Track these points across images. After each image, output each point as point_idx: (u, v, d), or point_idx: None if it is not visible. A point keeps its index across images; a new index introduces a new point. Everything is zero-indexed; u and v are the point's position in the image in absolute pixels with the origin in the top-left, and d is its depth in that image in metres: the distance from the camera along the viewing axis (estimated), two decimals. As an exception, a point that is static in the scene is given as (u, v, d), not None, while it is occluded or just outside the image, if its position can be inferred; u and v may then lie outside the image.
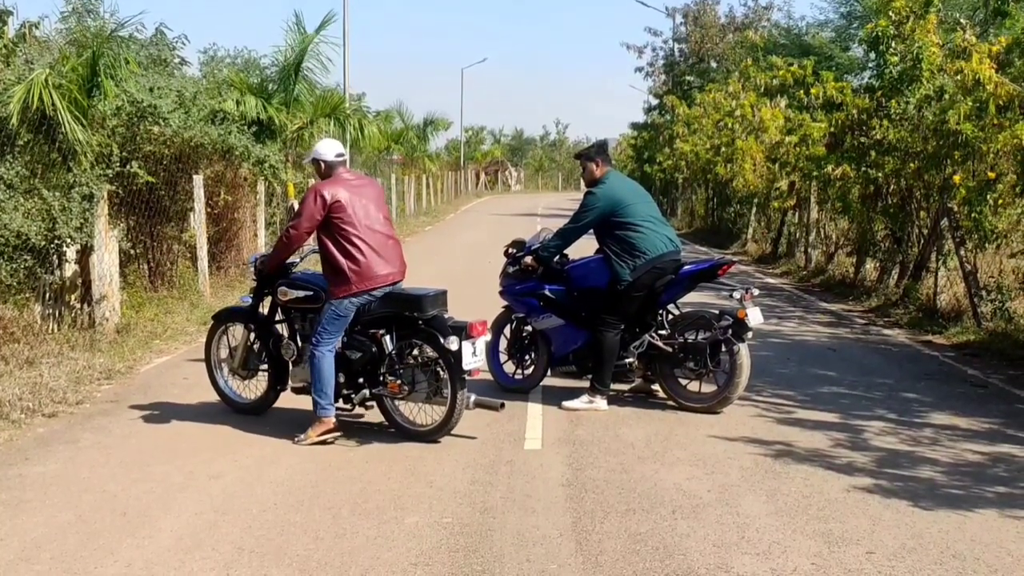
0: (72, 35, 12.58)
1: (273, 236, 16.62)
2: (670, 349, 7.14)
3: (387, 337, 6.26)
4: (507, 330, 7.92)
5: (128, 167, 10.23)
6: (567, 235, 7.26)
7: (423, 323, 6.18)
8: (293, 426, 6.64)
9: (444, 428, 6.26)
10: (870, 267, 14.64)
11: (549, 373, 7.71)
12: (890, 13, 12.74)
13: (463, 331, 6.02)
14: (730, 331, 6.90)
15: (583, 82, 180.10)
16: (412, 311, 6.17)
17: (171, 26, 13.45)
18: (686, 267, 7.11)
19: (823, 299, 13.91)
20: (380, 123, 30.55)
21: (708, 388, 7.16)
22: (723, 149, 23.42)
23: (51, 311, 9.30)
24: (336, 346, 6.21)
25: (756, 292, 7.26)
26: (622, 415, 7.04)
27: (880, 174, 13.14)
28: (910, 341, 10.53)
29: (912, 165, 12.32)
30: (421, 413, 6.41)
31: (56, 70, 9.71)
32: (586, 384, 7.31)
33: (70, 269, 9.66)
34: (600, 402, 7.14)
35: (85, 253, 9.58)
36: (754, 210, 22.62)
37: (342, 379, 6.35)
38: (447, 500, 5.21)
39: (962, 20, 13.52)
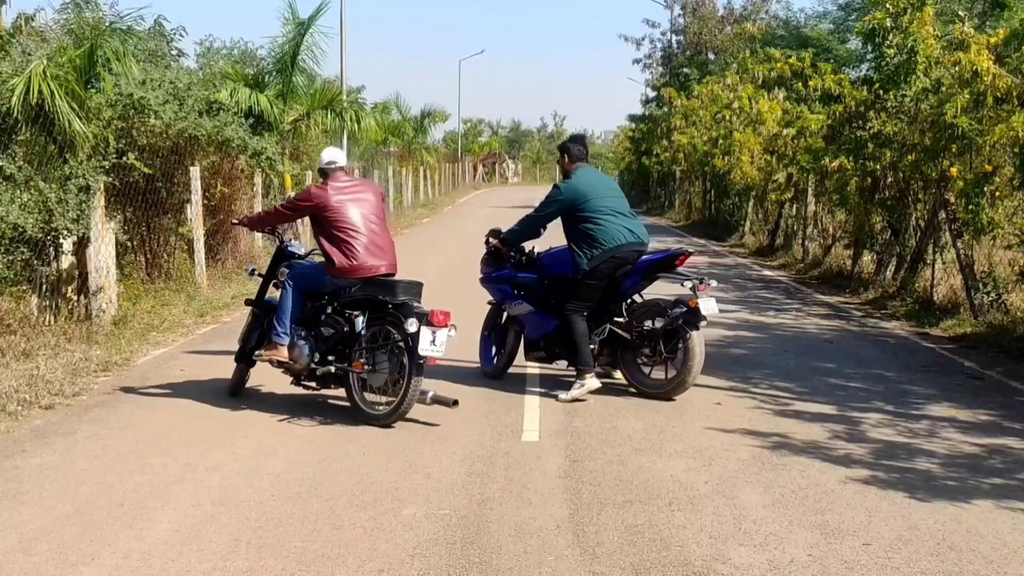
0: (69, 26, 12.54)
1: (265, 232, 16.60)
2: (629, 336, 7.35)
3: (360, 319, 6.64)
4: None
5: (125, 159, 10.21)
6: (528, 223, 7.63)
7: (392, 307, 6.51)
8: (290, 419, 6.65)
9: (395, 413, 6.44)
10: (867, 259, 14.66)
11: (523, 358, 7.87)
12: (887, 5, 12.73)
13: (424, 317, 6.31)
14: (682, 319, 7.09)
15: (581, 74, 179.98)
16: (384, 295, 6.56)
17: (168, 17, 13.39)
18: (644, 257, 7.30)
19: (820, 291, 13.92)
20: (377, 115, 30.53)
21: (664, 375, 7.32)
22: (721, 141, 23.42)
23: (48, 303, 9.28)
24: (295, 305, 6.79)
25: (713, 284, 7.42)
26: (619, 407, 7.05)
27: (877, 166, 13.15)
28: (907, 333, 10.55)
29: (909, 157, 12.32)
30: (381, 398, 6.60)
31: (54, 61, 9.69)
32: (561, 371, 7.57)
33: (67, 261, 9.64)
34: (590, 381, 7.23)
35: (82, 245, 9.57)
36: (751, 202, 22.64)
37: (316, 357, 6.70)
38: (444, 492, 5.21)
39: (960, 12, 13.51)
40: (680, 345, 7.13)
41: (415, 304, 6.52)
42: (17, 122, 9.09)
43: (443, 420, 6.63)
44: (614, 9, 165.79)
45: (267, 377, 7.90)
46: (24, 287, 9.08)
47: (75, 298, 9.60)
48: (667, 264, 7.32)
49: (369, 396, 6.62)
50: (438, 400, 6.59)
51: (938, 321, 10.85)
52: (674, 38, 40.46)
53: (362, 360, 6.53)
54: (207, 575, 4.17)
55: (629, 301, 7.47)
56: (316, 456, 5.83)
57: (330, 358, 6.67)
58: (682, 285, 7.34)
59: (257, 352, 7.05)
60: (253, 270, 7.72)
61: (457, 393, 7.36)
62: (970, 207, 10.41)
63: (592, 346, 7.33)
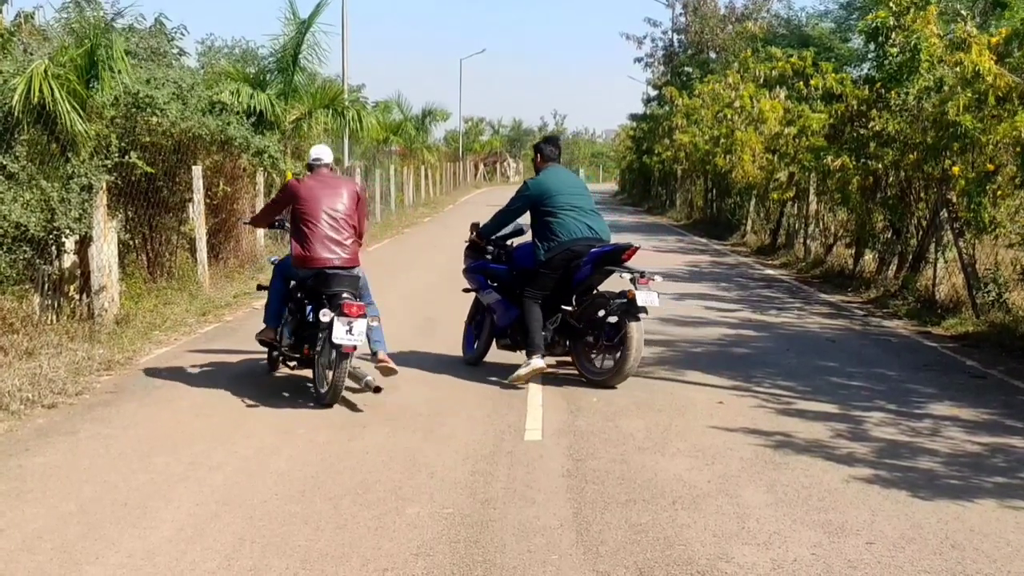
0: (71, 25, 12.54)
1: (272, 227, 16.60)
2: (578, 325, 7.73)
3: (307, 307, 7.19)
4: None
5: (127, 158, 10.21)
6: (499, 217, 8.16)
7: (325, 298, 6.95)
8: (293, 418, 6.66)
9: (327, 395, 6.89)
10: (869, 258, 14.65)
11: (494, 346, 8.21)
12: (890, 4, 12.73)
13: (339, 308, 6.69)
14: (622, 310, 7.43)
15: (582, 73, 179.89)
16: (322, 287, 7.00)
17: (169, 16, 13.37)
18: (593, 250, 7.60)
19: (822, 290, 13.92)
20: (379, 114, 30.52)
21: (607, 363, 7.62)
22: (722, 140, 23.40)
23: (50, 302, 9.29)
24: (280, 290, 7.50)
25: (658, 279, 7.79)
26: (622, 406, 7.05)
27: (879, 165, 13.15)
28: (909, 332, 10.55)
29: (911, 156, 12.31)
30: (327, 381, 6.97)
31: (55, 60, 9.69)
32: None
33: (69, 260, 9.65)
34: (536, 361, 7.52)
35: (84, 244, 9.57)
36: (753, 201, 22.62)
37: (292, 340, 7.36)
38: (448, 491, 5.22)
39: (962, 11, 13.50)
40: (620, 335, 7.44)
41: (345, 296, 6.86)
42: (19, 121, 9.08)
43: (446, 419, 6.64)
44: (615, 8, 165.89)
45: (268, 377, 7.92)
46: (27, 286, 9.08)
47: (77, 297, 9.60)
48: (614, 257, 7.59)
49: (326, 377, 6.99)
50: (370, 386, 6.93)
51: (940, 320, 10.84)
52: (675, 37, 40.40)
53: (307, 346, 7.14)
54: (211, 574, 4.17)
55: (595, 292, 7.76)
56: (319, 455, 5.84)
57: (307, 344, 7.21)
58: (621, 276, 7.59)
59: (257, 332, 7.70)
60: (275, 260, 8.09)
61: (460, 393, 7.40)
62: (972, 206, 10.40)
63: (546, 333, 7.71)
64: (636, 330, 7.37)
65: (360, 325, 6.70)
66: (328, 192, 7.21)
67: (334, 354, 6.78)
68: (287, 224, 7.57)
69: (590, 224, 7.66)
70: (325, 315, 6.73)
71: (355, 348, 6.80)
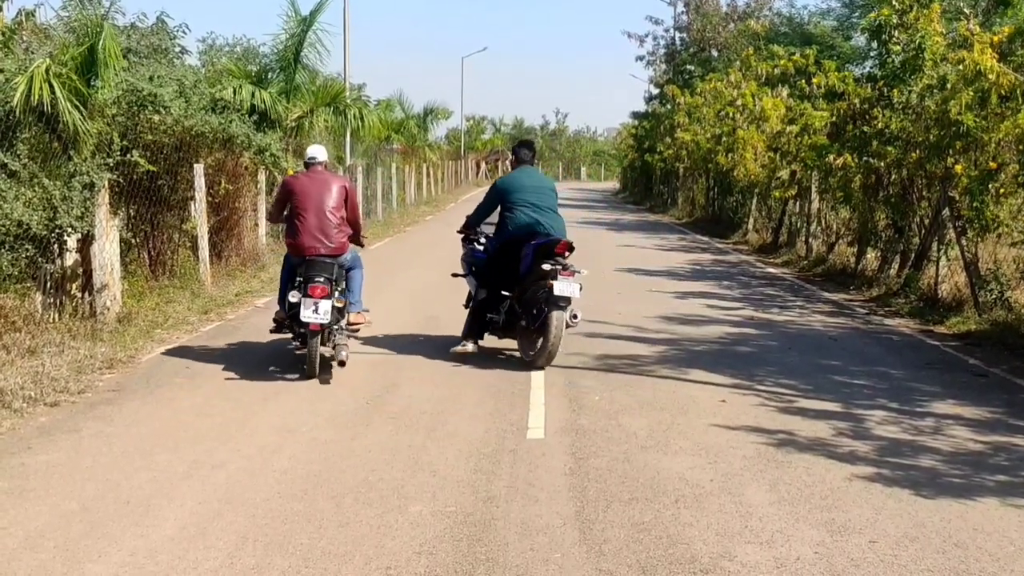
0: (72, 24, 12.53)
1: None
2: (518, 310, 8.32)
3: (294, 290, 7.72)
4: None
5: (129, 156, 10.20)
6: (477, 210, 8.86)
7: (301, 281, 7.61)
8: (295, 416, 6.66)
9: (305, 367, 7.67)
10: (871, 257, 14.64)
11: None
12: (893, 2, 12.71)
13: (305, 289, 7.49)
14: (545, 298, 7.96)
15: (584, 71, 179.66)
16: (303, 271, 7.66)
17: (171, 14, 13.30)
18: (532, 242, 8.16)
19: (824, 289, 13.91)
20: (380, 112, 30.49)
21: (536, 346, 8.14)
22: (724, 138, 23.37)
23: (52, 300, 9.28)
24: (285, 276, 8.12)
25: (584, 272, 8.27)
26: (624, 404, 7.05)
27: (882, 164, 13.14)
28: (911, 330, 10.54)
29: (914, 155, 12.30)
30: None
31: (56, 59, 9.68)
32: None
33: (71, 258, 9.64)
34: (467, 345, 8.45)
35: (86, 242, 9.57)
36: (755, 200, 22.58)
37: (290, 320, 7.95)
38: (450, 489, 5.22)
39: (964, 10, 13.48)
40: (541, 321, 7.99)
41: (318, 279, 7.54)
42: (21, 120, 9.08)
43: (448, 418, 6.64)
44: (617, 6, 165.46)
45: (271, 374, 7.92)
46: (29, 284, 9.08)
47: (79, 295, 9.60)
48: (548, 250, 8.08)
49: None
50: (335, 358, 7.74)
51: (942, 318, 10.84)
52: (677, 35, 40.39)
53: (295, 325, 7.80)
54: (214, 572, 4.17)
55: (539, 282, 8.14)
56: (321, 454, 5.83)
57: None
58: (541, 268, 7.96)
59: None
60: None
61: (462, 391, 7.40)
62: (974, 204, 10.40)
63: (500, 317, 8.45)
64: (556, 318, 7.86)
65: (325, 305, 7.43)
66: (318, 188, 7.90)
67: (305, 331, 7.54)
68: None
69: (540, 219, 8.24)
70: (293, 296, 7.56)
71: (320, 327, 7.52)
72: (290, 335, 8.04)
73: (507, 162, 72.92)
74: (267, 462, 5.67)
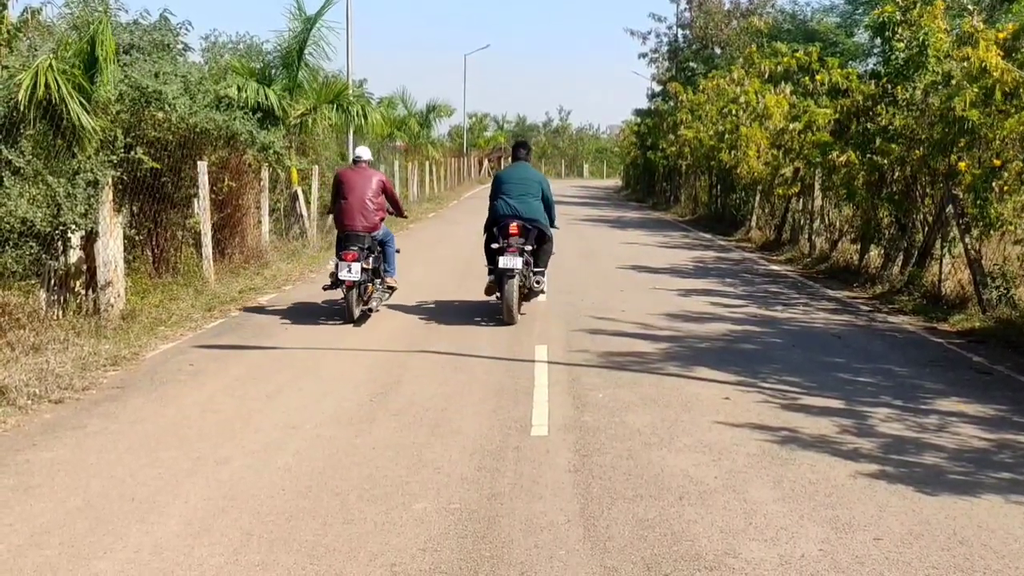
0: (75, 20, 12.53)
1: (277, 223, 16.64)
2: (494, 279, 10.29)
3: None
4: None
5: (132, 153, 10.21)
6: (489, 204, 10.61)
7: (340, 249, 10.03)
8: (299, 413, 6.67)
9: (344, 319, 10.10)
10: (874, 254, 14.62)
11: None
12: (897, -1, 12.69)
13: (341, 255, 9.83)
14: (499, 270, 9.95)
15: (587, 68, 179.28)
16: (346, 242, 9.99)
17: (174, 11, 13.33)
18: (500, 224, 10.13)
19: (827, 286, 13.89)
20: (383, 109, 30.46)
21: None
22: (727, 136, 23.35)
23: (56, 297, 9.30)
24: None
25: (525, 247, 10.01)
26: (627, 401, 7.05)
27: (885, 161, 13.11)
28: (915, 328, 10.53)
29: (917, 152, 12.28)
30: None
31: (60, 56, 9.68)
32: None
33: (75, 255, 9.65)
34: (492, 297, 10.48)
35: (90, 239, 9.58)
36: (758, 197, 22.56)
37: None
38: (455, 486, 5.22)
39: (968, 6, 13.47)
40: (499, 287, 10.05)
41: (352, 248, 9.82)
42: (25, 116, 9.08)
43: (452, 415, 6.65)
44: (620, 3, 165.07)
45: (274, 372, 7.93)
46: (33, 281, 9.09)
47: (83, 292, 9.61)
48: (504, 231, 10.04)
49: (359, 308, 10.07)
50: (373, 309, 10.30)
51: (946, 316, 10.83)
52: (680, 32, 40.28)
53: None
54: (219, 569, 4.18)
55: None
56: (325, 451, 5.84)
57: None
58: (491, 247, 10.15)
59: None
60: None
61: (466, 388, 7.41)
62: (978, 202, 10.38)
63: (491, 278, 10.29)
64: (508, 287, 9.88)
65: (356, 267, 9.70)
66: (361, 179, 10.19)
67: (339, 283, 9.86)
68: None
69: (514, 205, 10.16)
70: (331, 262, 10.21)
71: (353, 282, 9.75)
72: (339, 291, 10.09)
73: (507, 159, 73.02)
74: (271, 459, 5.68)
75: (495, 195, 10.35)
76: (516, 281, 9.90)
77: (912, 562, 4.31)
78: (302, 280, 13.46)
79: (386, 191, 10.42)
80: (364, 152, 10.68)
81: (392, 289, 10.76)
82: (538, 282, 10.33)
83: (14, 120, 9.04)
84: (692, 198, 31.89)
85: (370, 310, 10.23)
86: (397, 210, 11.06)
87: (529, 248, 10.11)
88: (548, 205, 10.39)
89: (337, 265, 9.85)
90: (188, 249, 12.58)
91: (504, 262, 9.79)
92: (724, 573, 4.18)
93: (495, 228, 10.17)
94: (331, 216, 10.85)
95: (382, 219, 10.28)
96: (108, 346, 8.34)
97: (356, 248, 9.80)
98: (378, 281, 10.36)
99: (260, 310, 10.90)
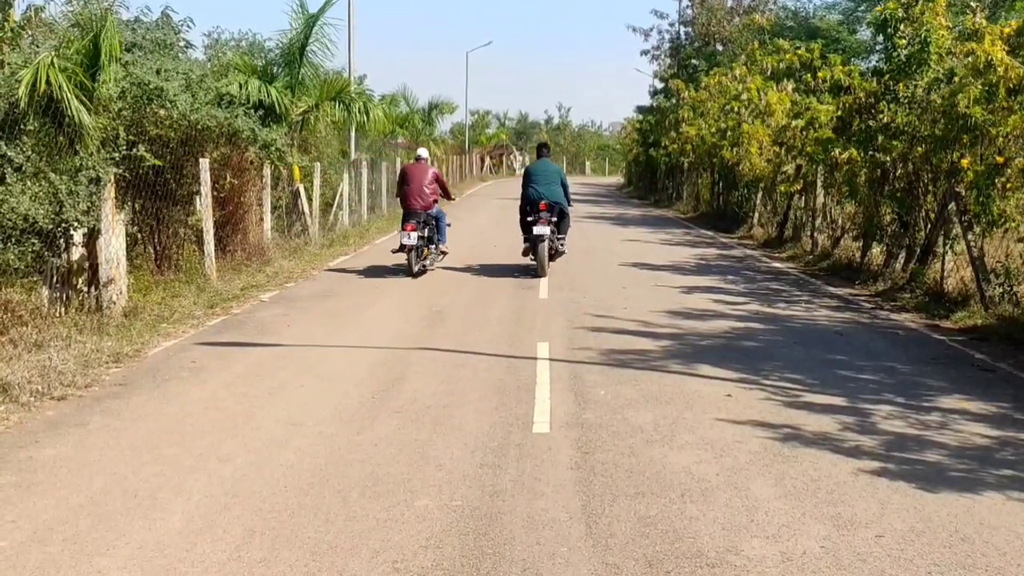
0: (77, 17, 12.54)
1: (279, 220, 16.64)
2: (527, 243, 14.14)
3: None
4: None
5: (135, 150, 10.21)
6: (522, 192, 14.33)
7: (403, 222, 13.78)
8: (301, 410, 6.68)
9: (406, 272, 13.58)
10: (876, 251, 14.61)
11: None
12: (899, -4, 12.66)
13: (405, 225, 13.48)
14: (532, 236, 13.68)
15: (589, 65, 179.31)
16: (408, 218, 13.61)
17: (176, 8, 13.34)
18: (534, 203, 13.78)
19: (829, 283, 13.89)
20: (385, 107, 30.45)
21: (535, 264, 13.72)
22: (729, 133, 23.33)
23: (58, 294, 9.31)
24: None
25: (551, 220, 13.66)
26: (630, 398, 7.05)
27: (887, 158, 13.10)
28: (917, 325, 10.52)
29: (920, 149, 12.27)
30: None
31: (61, 53, 9.68)
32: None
33: (77, 252, 9.66)
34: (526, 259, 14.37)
35: (92, 236, 9.59)
36: (760, 194, 22.53)
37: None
38: (456, 483, 5.22)
39: (971, 3, 13.44)
40: (533, 249, 13.78)
41: (411, 221, 13.44)
42: (26, 113, 9.09)
43: (454, 412, 6.65)
44: (622, 0, 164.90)
45: (276, 369, 7.94)
46: (35, 278, 9.11)
47: (86, 289, 9.62)
48: (535, 207, 13.71)
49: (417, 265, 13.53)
50: (427, 268, 13.84)
51: (948, 313, 10.82)
52: (682, 29, 40.29)
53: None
54: (222, 565, 4.18)
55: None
56: (327, 448, 5.85)
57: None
58: (527, 220, 13.88)
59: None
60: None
61: (468, 385, 7.42)
62: (981, 199, 10.36)
63: (528, 243, 14.06)
64: (541, 248, 13.54)
65: (413, 235, 13.23)
66: (419, 172, 13.88)
67: (404, 248, 13.32)
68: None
69: (541, 191, 13.81)
70: (400, 232, 13.57)
71: (412, 247, 13.22)
72: (403, 255, 13.49)
73: (510, 156, 73.06)
74: (273, 456, 5.68)
75: (526, 184, 13.97)
76: (546, 244, 13.54)
77: (914, 559, 4.31)
78: (304, 277, 13.47)
79: (438, 181, 14.02)
80: (423, 152, 14.62)
81: (444, 253, 14.45)
82: (562, 243, 14.12)
83: (16, 117, 9.04)
84: (694, 195, 31.88)
85: (426, 267, 13.72)
86: (446, 194, 14.63)
87: (554, 220, 13.74)
88: (565, 189, 14.06)
89: (400, 234, 13.42)
90: (190, 246, 12.59)
91: (537, 230, 13.48)
92: (726, 570, 4.19)
93: (528, 207, 13.85)
94: (398, 199, 14.42)
95: (435, 201, 13.84)
96: (110, 343, 8.35)
97: (414, 221, 13.37)
98: (433, 247, 13.95)
99: (262, 307, 10.90)
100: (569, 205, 14.20)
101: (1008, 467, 5.64)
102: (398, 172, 14.47)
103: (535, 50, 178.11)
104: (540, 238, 13.47)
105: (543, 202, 13.63)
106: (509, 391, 7.26)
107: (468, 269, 14.67)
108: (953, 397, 7.27)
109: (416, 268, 13.32)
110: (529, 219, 13.76)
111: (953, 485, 5.28)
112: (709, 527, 4.64)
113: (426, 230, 13.58)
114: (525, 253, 14.13)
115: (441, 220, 14.13)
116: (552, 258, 13.89)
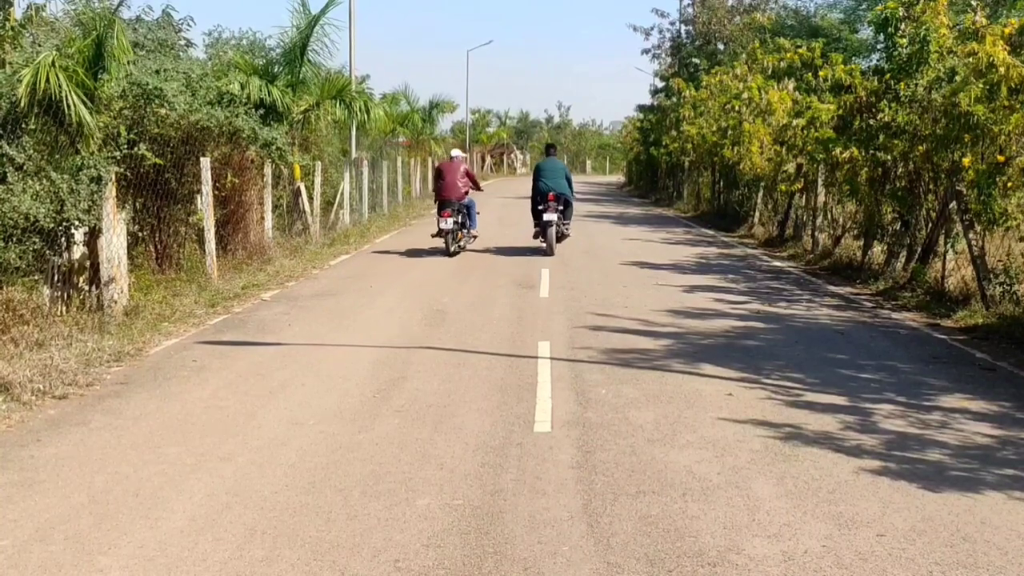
0: (78, 16, 12.54)
1: (280, 218, 16.65)
2: (537, 227, 16.85)
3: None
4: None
5: (136, 149, 10.22)
6: (532, 186, 17.00)
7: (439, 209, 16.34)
8: (303, 409, 6.68)
9: (442, 252, 16.06)
10: (877, 250, 14.59)
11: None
12: (900, -6, 12.65)
13: (442, 211, 15.80)
14: (541, 222, 16.43)
15: (589, 64, 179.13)
16: (444, 206, 16.00)
17: (176, 7, 13.34)
18: (544, 194, 16.35)
19: (830, 282, 13.88)
20: (386, 106, 30.44)
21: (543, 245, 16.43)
22: (730, 132, 23.30)
23: (60, 293, 9.32)
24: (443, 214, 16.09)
25: (558, 208, 16.45)
26: (631, 397, 7.05)
27: (888, 157, 13.09)
28: (918, 324, 10.52)
29: (921, 148, 12.25)
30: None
31: (63, 52, 9.69)
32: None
33: (78, 251, 9.67)
34: (536, 240, 17.00)
35: (93, 235, 9.59)
36: (761, 193, 22.51)
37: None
38: (458, 482, 5.23)
39: (972, 1, 13.43)
40: (543, 233, 16.46)
41: (446, 208, 15.76)
42: (27, 112, 9.09)
43: (455, 411, 6.65)
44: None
45: (277, 368, 7.94)
46: (36, 277, 9.11)
47: (87, 288, 9.63)
48: (544, 198, 16.30)
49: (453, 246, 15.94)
50: (462, 247, 16.35)
51: (950, 312, 10.81)
52: (683, 28, 40.21)
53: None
54: (223, 564, 4.19)
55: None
56: (329, 447, 5.85)
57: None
58: (538, 208, 16.52)
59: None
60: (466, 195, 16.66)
61: (469, 384, 7.43)
62: (982, 198, 10.35)
63: (540, 229, 16.60)
64: (549, 232, 16.23)
65: (449, 220, 15.58)
66: (453, 168, 16.24)
67: (442, 231, 15.78)
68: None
69: (550, 184, 16.38)
70: (437, 217, 16.05)
71: (449, 231, 15.59)
72: (440, 238, 15.88)
73: (511, 155, 73.02)
74: (275, 455, 5.69)
75: (537, 178, 16.67)
76: (553, 229, 16.26)
77: (915, 558, 4.31)
78: (305, 276, 13.47)
79: (469, 175, 16.43)
80: (457, 152, 17.36)
81: (475, 237, 16.99)
82: (567, 228, 16.96)
83: (17, 116, 9.04)
84: (695, 194, 31.84)
85: (460, 248, 16.15)
86: (476, 186, 16.78)
87: (560, 208, 16.47)
88: (569, 183, 16.72)
89: (438, 220, 15.87)
90: (191, 245, 12.60)
91: (547, 217, 16.20)
92: (727, 569, 4.19)
93: (538, 197, 16.41)
94: (433, 191, 17.22)
95: (467, 192, 16.19)
96: (112, 342, 8.36)
97: (449, 209, 15.74)
98: (465, 231, 16.41)
99: (263, 306, 10.91)
100: (573, 197, 16.94)
101: (1009, 466, 5.64)
102: (432, 169, 18.77)
103: (536, 49, 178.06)
104: (549, 223, 16.16)
105: (551, 193, 16.16)
106: (510, 390, 7.26)
107: (470, 270, 14.70)
108: (954, 396, 7.27)
109: (452, 248, 15.73)
110: (540, 208, 16.36)
111: (954, 484, 5.28)
112: (710, 526, 4.64)
113: (459, 216, 15.99)
114: (536, 236, 16.77)
115: (472, 208, 16.49)
116: (559, 240, 16.56)
